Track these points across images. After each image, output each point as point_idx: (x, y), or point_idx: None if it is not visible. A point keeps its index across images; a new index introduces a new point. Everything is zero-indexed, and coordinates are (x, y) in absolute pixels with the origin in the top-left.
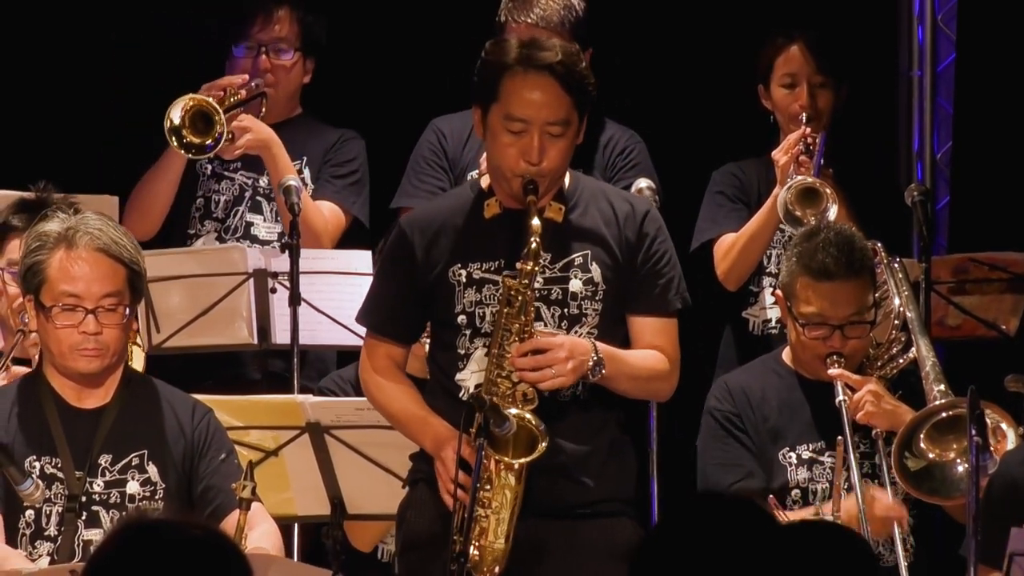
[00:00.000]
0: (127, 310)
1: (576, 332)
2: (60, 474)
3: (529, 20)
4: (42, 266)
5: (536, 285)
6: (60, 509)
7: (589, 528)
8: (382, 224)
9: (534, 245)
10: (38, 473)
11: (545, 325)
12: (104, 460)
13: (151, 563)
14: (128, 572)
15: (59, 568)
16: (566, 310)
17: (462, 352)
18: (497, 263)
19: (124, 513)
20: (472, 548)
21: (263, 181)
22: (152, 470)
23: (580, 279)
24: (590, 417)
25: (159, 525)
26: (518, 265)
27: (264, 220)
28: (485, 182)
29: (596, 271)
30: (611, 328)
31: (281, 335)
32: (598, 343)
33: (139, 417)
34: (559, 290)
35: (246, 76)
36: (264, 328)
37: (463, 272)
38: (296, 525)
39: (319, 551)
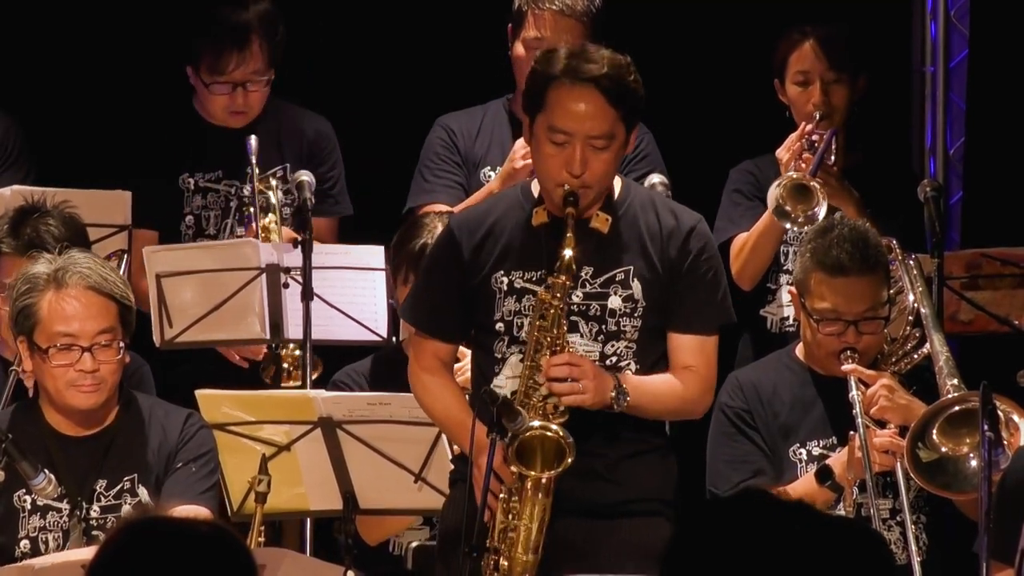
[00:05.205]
0: (121, 345)
1: (613, 347)
2: (56, 504)
3: (554, 7)
4: (34, 308)
5: (576, 299)
6: (58, 536)
7: (626, 528)
8: (391, 222)
9: (567, 258)
10: (31, 506)
11: (582, 337)
12: (99, 486)
13: (156, 559)
14: (133, 568)
15: (71, 562)
16: (604, 326)
17: (498, 356)
18: (539, 273)
19: None
20: (501, 559)
21: (246, 189)
22: (143, 492)
23: (620, 296)
24: (624, 423)
25: (163, 521)
26: (550, 279)
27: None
28: (536, 189)
29: (637, 288)
30: (650, 344)
31: (293, 330)
32: (621, 376)
33: (132, 441)
34: (598, 306)
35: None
36: (276, 323)
37: (505, 280)
38: (308, 520)
39: (331, 546)
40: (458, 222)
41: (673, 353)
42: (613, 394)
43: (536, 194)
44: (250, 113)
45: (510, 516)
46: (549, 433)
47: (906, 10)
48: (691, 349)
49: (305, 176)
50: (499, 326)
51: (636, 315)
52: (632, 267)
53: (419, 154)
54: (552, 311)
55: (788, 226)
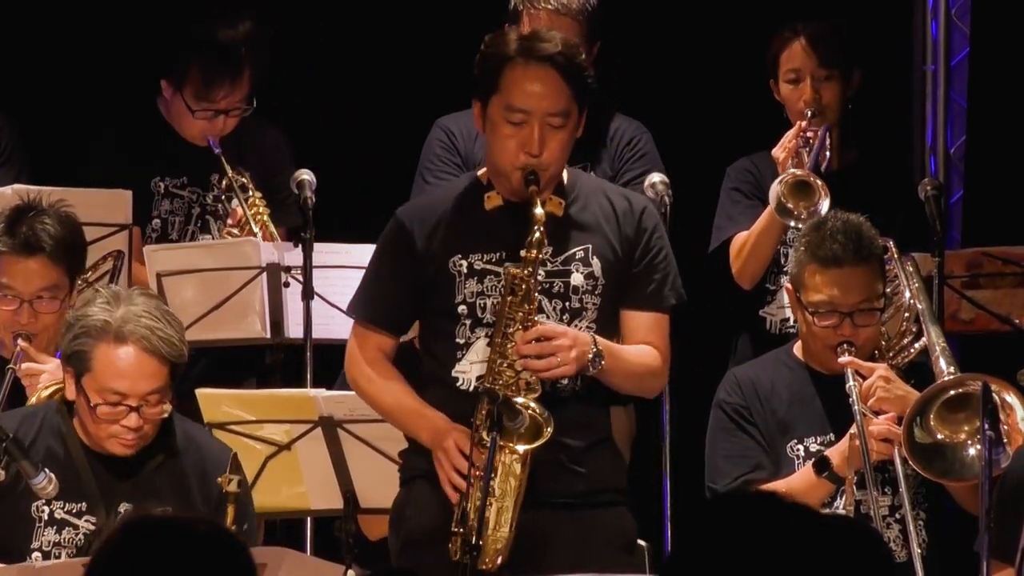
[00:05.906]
0: (167, 402)
1: (576, 325)
2: (74, 520)
3: (550, 6)
4: (88, 355)
5: (539, 277)
6: (72, 553)
7: (588, 518)
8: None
9: (538, 234)
10: (48, 517)
11: (547, 318)
12: (124, 509)
13: (154, 558)
14: (131, 568)
15: (73, 562)
16: (567, 303)
17: (461, 341)
18: (499, 254)
19: None
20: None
21: (209, 197)
22: None
23: (582, 273)
24: (588, 410)
25: (161, 521)
26: (522, 253)
27: (213, 239)
28: (482, 175)
29: (597, 265)
30: (609, 323)
31: (294, 329)
32: (597, 336)
33: (167, 475)
34: (561, 283)
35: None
36: (277, 322)
37: (464, 263)
38: (309, 519)
39: (332, 545)
40: (407, 213)
41: (631, 332)
42: (591, 356)
43: (485, 181)
44: (222, 135)
45: (481, 493)
46: (525, 409)
47: (907, 8)
48: (649, 327)
49: (306, 175)
50: (461, 308)
51: (597, 292)
52: (591, 245)
53: (418, 155)
54: (523, 286)
55: (792, 223)
